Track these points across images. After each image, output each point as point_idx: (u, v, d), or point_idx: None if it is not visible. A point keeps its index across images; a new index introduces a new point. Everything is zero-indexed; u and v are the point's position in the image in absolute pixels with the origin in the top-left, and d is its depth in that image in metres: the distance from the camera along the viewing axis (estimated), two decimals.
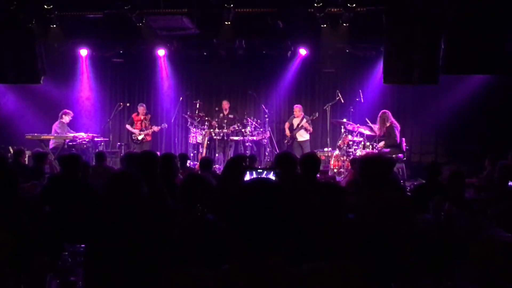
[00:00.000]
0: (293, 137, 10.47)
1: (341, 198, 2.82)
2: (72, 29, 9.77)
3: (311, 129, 10.42)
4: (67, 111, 10.23)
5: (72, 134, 9.91)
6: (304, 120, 10.33)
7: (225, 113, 10.78)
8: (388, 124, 9.10)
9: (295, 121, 10.47)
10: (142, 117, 10.77)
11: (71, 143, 9.71)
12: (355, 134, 9.49)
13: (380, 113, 9.30)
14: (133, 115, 10.90)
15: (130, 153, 6.93)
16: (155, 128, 10.71)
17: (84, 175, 4.91)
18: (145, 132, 10.64)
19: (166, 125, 10.91)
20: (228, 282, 1.40)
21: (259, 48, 10.82)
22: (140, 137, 10.61)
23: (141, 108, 10.80)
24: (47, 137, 9.83)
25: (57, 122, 10.02)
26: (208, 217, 2.76)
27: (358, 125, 9.56)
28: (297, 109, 10.48)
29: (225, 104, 10.85)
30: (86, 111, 11.69)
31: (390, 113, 9.26)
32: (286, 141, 10.68)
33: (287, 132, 10.60)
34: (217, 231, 2.53)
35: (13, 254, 2.44)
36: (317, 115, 10.41)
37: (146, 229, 2.37)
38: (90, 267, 2.29)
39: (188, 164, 7.78)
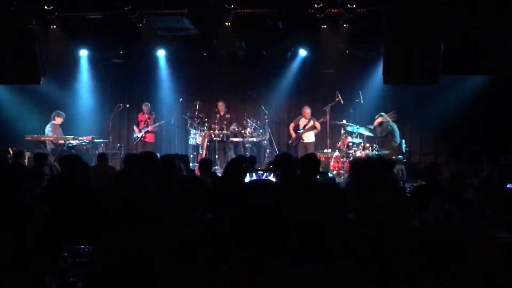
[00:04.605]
0: (299, 137, 10.44)
1: (341, 199, 2.82)
2: (72, 30, 9.77)
3: (319, 128, 10.37)
4: (60, 112, 10.18)
5: (64, 137, 9.88)
6: (311, 122, 10.31)
7: (222, 113, 10.78)
8: (388, 126, 9.11)
9: (302, 122, 10.45)
10: (146, 116, 10.80)
11: (70, 144, 9.70)
12: (354, 135, 9.49)
13: (380, 114, 9.31)
14: (139, 115, 10.98)
15: (130, 153, 6.93)
16: (154, 128, 10.73)
17: (84, 176, 4.91)
18: (144, 130, 10.66)
19: (163, 121, 10.95)
20: (228, 282, 1.40)
21: (259, 49, 10.80)
22: (139, 135, 10.65)
23: (146, 108, 10.84)
24: (47, 138, 9.81)
25: (49, 124, 10.01)
26: (208, 217, 2.76)
27: (357, 126, 9.56)
28: (307, 111, 10.46)
29: (220, 105, 10.85)
30: (86, 112, 11.68)
31: (390, 114, 9.27)
32: (290, 141, 10.65)
33: (292, 132, 10.58)
34: (217, 231, 2.53)
35: (13, 254, 2.44)
36: (324, 120, 10.37)
37: (149, 229, 2.36)
38: (95, 267, 2.28)
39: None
